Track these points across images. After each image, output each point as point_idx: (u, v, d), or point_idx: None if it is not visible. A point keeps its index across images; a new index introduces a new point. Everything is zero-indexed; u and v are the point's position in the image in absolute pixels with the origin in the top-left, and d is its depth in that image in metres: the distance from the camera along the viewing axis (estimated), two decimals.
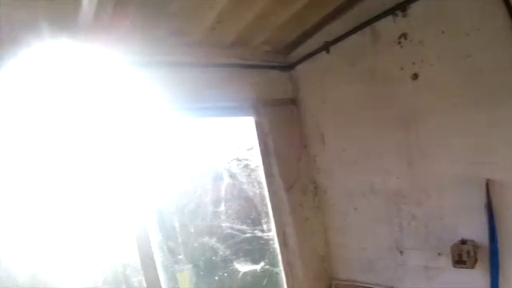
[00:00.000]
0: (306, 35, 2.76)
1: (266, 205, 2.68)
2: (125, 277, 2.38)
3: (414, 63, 2.27)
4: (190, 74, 2.54)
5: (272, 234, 2.69)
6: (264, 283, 2.72)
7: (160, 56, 2.44)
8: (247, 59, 2.73)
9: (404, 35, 2.30)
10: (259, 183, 2.65)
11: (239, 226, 2.59)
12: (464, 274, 2.15)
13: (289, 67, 2.89)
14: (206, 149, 2.66)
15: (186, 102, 2.55)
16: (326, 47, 2.70)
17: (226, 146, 2.75)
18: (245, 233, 2.61)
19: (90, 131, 2.41)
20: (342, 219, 2.85)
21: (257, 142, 2.68)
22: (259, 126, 2.71)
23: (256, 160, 2.68)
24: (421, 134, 2.32)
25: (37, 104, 2.23)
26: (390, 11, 2.29)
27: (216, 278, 2.56)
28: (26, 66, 2.17)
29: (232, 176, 2.61)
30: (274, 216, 2.70)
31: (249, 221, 2.63)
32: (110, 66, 2.34)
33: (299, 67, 2.90)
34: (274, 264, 2.73)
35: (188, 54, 2.53)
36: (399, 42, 2.32)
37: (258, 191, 2.65)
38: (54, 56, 2.21)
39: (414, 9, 2.21)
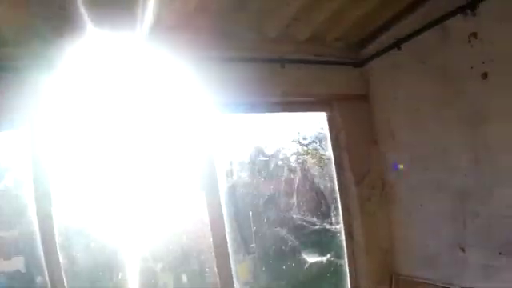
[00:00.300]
0: (378, 32, 2.77)
1: (335, 198, 2.73)
2: (198, 262, 2.49)
3: (483, 62, 2.24)
4: (265, 70, 2.62)
5: (339, 226, 2.75)
6: (328, 274, 2.79)
7: (236, 52, 2.53)
8: (320, 55, 2.77)
9: (474, 34, 2.27)
10: (330, 177, 2.71)
11: (309, 218, 2.66)
12: None
13: (361, 63, 2.90)
14: (279, 142, 2.74)
15: (260, 96, 2.63)
16: (397, 44, 2.69)
17: (299, 140, 2.82)
18: (314, 225, 2.69)
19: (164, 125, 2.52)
20: (407, 215, 2.86)
21: (329, 136, 2.71)
22: (332, 121, 2.76)
23: (328, 154, 2.72)
24: (489, 133, 2.31)
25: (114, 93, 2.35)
26: (460, 10, 2.25)
27: (284, 267, 2.65)
28: (100, 61, 2.29)
29: (304, 169, 2.67)
30: (343, 209, 2.77)
31: (319, 213, 2.70)
32: (188, 60, 2.42)
33: (371, 64, 2.91)
34: (339, 256, 2.80)
35: (263, 50, 2.61)
36: (469, 41, 2.29)
37: (328, 185, 2.71)
38: (131, 52, 2.32)
39: (483, 8, 2.17)
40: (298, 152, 2.80)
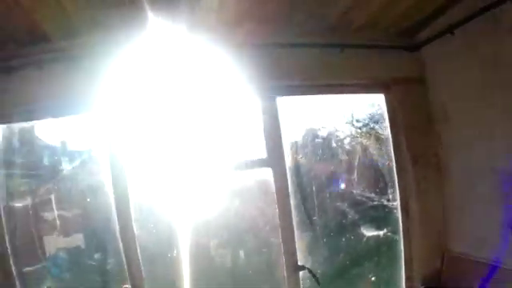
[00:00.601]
0: (432, 17, 2.83)
1: (393, 176, 2.87)
2: (264, 233, 2.67)
3: None
4: (325, 55, 2.77)
5: (396, 203, 2.88)
6: (384, 248, 2.93)
7: (298, 38, 2.70)
8: (377, 40, 2.89)
9: None
10: (388, 156, 2.85)
11: (368, 194, 2.81)
12: None
13: (416, 48, 3.00)
14: (335, 123, 2.90)
15: (320, 79, 2.79)
16: (450, 30, 2.76)
17: (352, 122, 2.97)
18: (373, 200, 2.83)
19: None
20: (460, 195, 2.93)
21: (387, 117, 2.86)
22: (389, 103, 2.89)
23: (386, 134, 2.87)
24: None
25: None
26: None
27: (343, 239, 2.82)
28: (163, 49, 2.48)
29: (364, 148, 2.83)
30: (400, 187, 2.89)
31: (377, 190, 2.85)
32: (249, 46, 2.61)
33: (426, 48, 2.99)
34: (394, 231, 2.92)
35: (323, 37, 2.75)
36: None
37: (386, 163, 2.85)
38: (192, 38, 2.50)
39: None
40: (353, 133, 2.95)
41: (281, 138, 2.66)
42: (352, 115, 3.04)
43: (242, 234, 2.79)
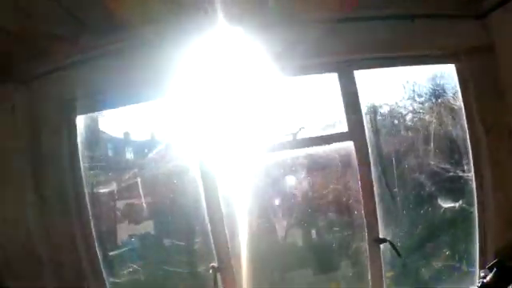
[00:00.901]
0: None
1: (467, 147, 2.85)
2: (348, 205, 2.68)
3: None
4: (396, 26, 2.78)
5: (471, 174, 2.86)
6: (460, 221, 2.92)
7: (369, 11, 2.71)
8: (445, 9, 2.87)
9: None
10: (462, 126, 2.83)
11: (444, 165, 2.80)
12: None
13: (484, 15, 2.96)
14: (407, 96, 2.90)
15: (393, 51, 2.78)
16: None
17: (420, 95, 2.96)
18: (448, 171, 2.82)
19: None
20: None
21: (459, 87, 2.84)
22: (460, 73, 2.88)
23: (458, 104, 2.85)
24: None
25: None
26: None
27: (422, 211, 2.81)
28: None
29: (439, 118, 2.81)
30: (473, 158, 2.86)
31: (452, 161, 2.83)
32: (321, 22, 2.58)
33: (492, 15, 2.96)
34: (469, 203, 2.90)
35: (393, 8, 2.76)
36: None
37: (460, 133, 2.84)
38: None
39: None
40: (425, 106, 2.93)
41: (361, 111, 2.68)
42: (414, 90, 3.02)
43: (313, 213, 2.79)
